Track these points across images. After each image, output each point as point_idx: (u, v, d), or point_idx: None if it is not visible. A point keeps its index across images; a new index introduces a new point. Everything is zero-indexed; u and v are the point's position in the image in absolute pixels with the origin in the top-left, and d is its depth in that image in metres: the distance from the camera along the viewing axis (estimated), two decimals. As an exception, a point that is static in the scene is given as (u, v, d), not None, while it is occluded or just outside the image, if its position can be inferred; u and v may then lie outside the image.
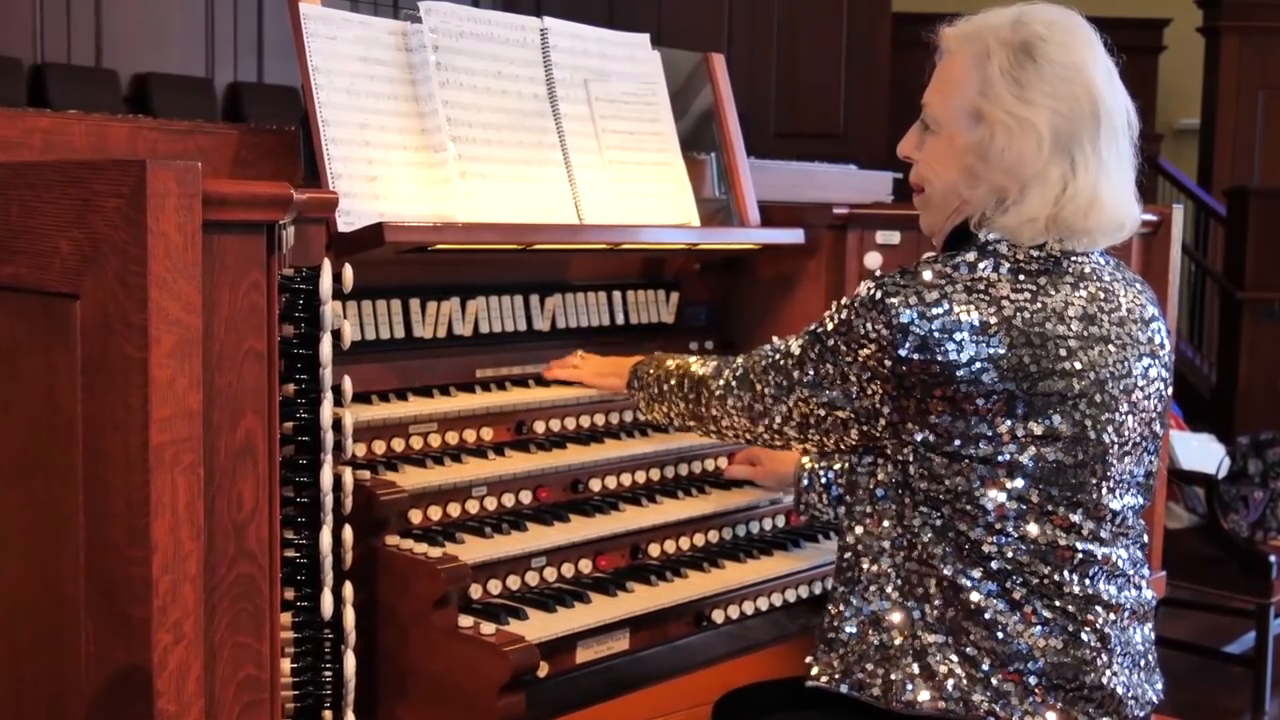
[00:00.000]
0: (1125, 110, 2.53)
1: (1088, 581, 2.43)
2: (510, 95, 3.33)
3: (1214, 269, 10.83)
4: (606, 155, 3.49)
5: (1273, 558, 5.36)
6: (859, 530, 2.56)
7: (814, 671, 2.56)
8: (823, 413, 2.54)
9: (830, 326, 2.50)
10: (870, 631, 2.50)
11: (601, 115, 3.51)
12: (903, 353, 2.36)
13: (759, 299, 3.87)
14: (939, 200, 2.60)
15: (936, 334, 2.35)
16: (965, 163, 2.51)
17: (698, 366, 2.90)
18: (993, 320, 2.36)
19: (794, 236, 3.71)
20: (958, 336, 2.34)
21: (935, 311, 2.36)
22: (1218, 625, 6.43)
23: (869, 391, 2.45)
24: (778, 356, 2.63)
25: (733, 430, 2.80)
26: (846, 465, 2.77)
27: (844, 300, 2.49)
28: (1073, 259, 2.49)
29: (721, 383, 2.77)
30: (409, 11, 3.25)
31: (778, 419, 2.64)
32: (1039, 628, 2.40)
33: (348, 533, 2.50)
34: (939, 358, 2.34)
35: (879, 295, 2.41)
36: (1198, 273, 11.16)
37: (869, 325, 2.40)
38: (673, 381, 2.95)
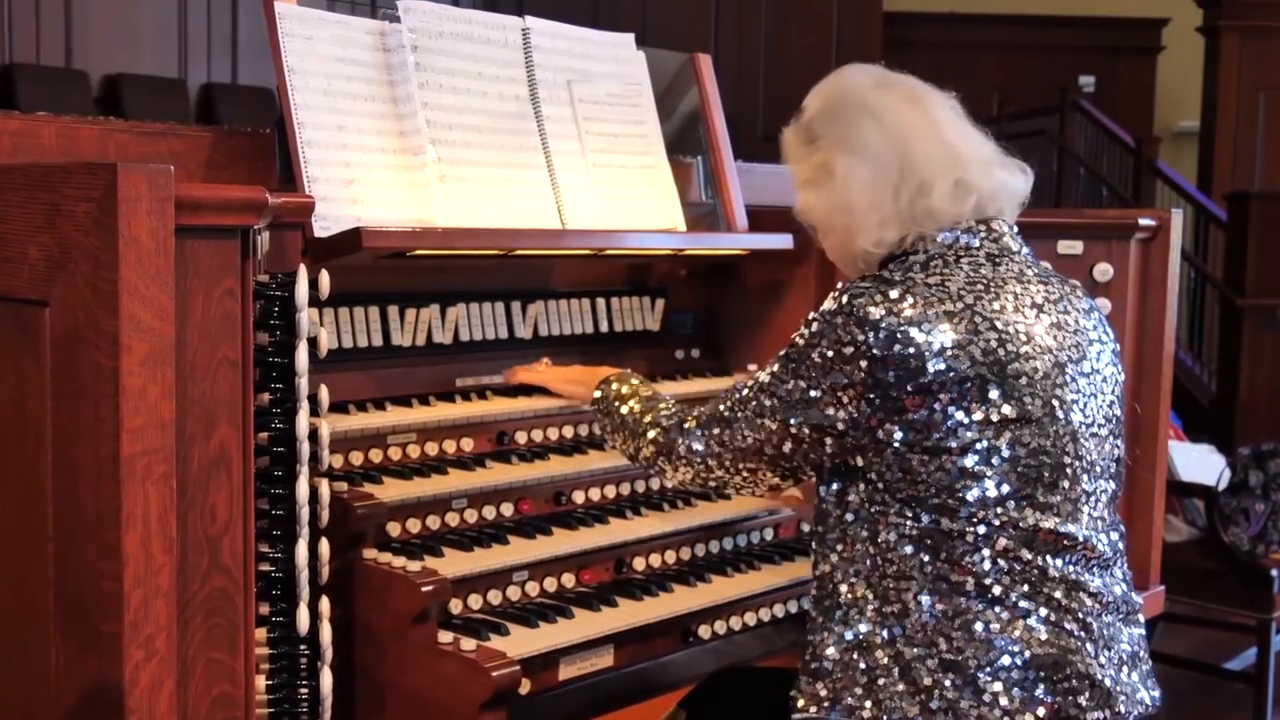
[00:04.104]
0: (926, 95, 2.69)
1: (1069, 567, 2.45)
2: (491, 96, 3.30)
3: (1214, 275, 10.84)
4: (590, 158, 3.46)
5: (1274, 572, 5.29)
6: (833, 558, 2.56)
7: (800, 704, 2.54)
8: (803, 433, 2.53)
9: (801, 343, 2.54)
10: (855, 656, 2.49)
11: (585, 117, 3.48)
12: (876, 351, 2.41)
13: (747, 306, 3.84)
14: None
15: (906, 328, 2.41)
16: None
17: (663, 411, 2.86)
18: (958, 308, 2.44)
19: (783, 242, 3.67)
20: (925, 327, 2.41)
21: (902, 306, 2.43)
22: (1218, 641, 6.37)
23: (845, 400, 2.46)
24: (746, 391, 2.63)
25: (701, 472, 2.74)
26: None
27: (811, 315, 2.55)
28: (1009, 258, 2.58)
29: (691, 424, 2.75)
30: (387, 11, 3.22)
31: (750, 452, 2.62)
32: (1021, 620, 2.41)
33: (324, 546, 2.46)
34: (911, 350, 2.40)
35: (845, 300, 2.47)
36: (1197, 279, 11.15)
37: (840, 331, 2.45)
38: (640, 412, 2.90)
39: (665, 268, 3.77)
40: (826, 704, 2.49)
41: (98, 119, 2.87)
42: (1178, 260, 3.80)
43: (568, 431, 3.30)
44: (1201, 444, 6.43)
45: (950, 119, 2.67)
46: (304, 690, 2.39)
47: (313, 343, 2.37)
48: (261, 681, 2.33)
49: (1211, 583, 5.47)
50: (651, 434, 2.82)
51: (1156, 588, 3.83)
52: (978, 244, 2.56)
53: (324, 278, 2.43)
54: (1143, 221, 3.66)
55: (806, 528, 3.40)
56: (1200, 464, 5.91)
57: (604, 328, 3.60)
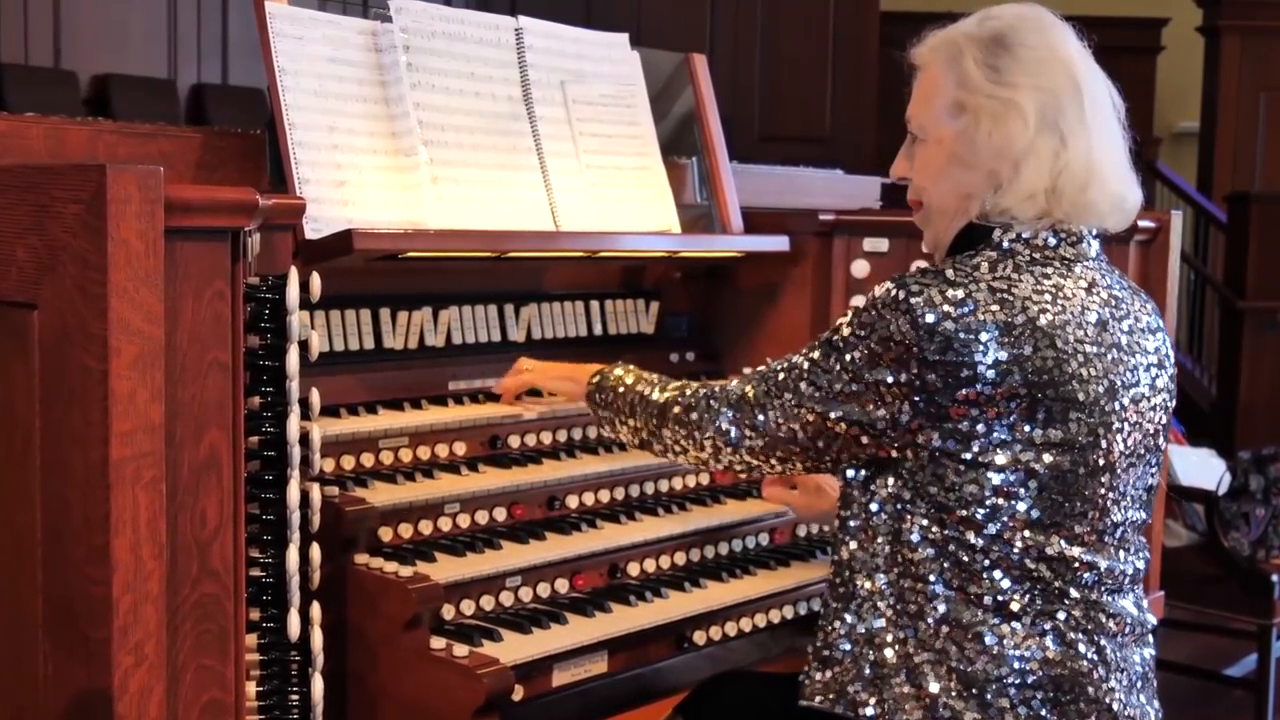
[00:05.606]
0: (1107, 90, 2.56)
1: (1088, 591, 2.41)
2: (484, 97, 3.29)
3: (1214, 277, 10.82)
4: (584, 159, 3.44)
5: (1275, 577, 5.27)
6: (853, 545, 2.51)
7: (808, 691, 2.52)
8: (840, 429, 2.46)
9: (848, 332, 2.44)
10: (865, 650, 2.46)
11: (579, 118, 3.46)
12: (928, 355, 2.33)
13: (742, 309, 3.83)
14: (938, 205, 2.58)
15: (962, 335, 2.32)
16: (956, 154, 2.51)
17: (677, 388, 2.78)
18: (1018, 321, 2.34)
19: (778, 244, 3.67)
20: (983, 337, 2.32)
21: (961, 311, 2.33)
22: (1218, 647, 6.35)
23: (888, 399, 2.39)
24: (782, 375, 2.54)
25: (729, 457, 2.67)
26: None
27: (861, 304, 2.45)
28: (1085, 264, 2.49)
29: (718, 403, 2.66)
30: (379, 10, 3.23)
31: (783, 440, 2.55)
32: (1035, 639, 2.38)
33: (315, 551, 2.45)
34: (964, 359, 2.31)
35: (901, 295, 2.37)
36: (1197, 281, 11.13)
37: (892, 327, 2.36)
38: (651, 393, 2.83)
39: (660, 270, 3.76)
40: (833, 695, 2.47)
41: (86, 120, 2.87)
42: (1177, 262, 3.78)
43: (561, 435, 3.27)
44: (1201, 448, 6.42)
45: (1117, 130, 2.55)
46: (295, 697, 2.36)
47: (304, 346, 2.35)
48: (252, 688, 2.30)
49: (1211, 588, 5.46)
50: (675, 410, 2.72)
51: (1156, 593, 3.81)
52: (1055, 243, 2.46)
53: (315, 280, 2.41)
54: (1142, 223, 3.64)
55: (804, 531, 3.38)
56: (1200, 468, 5.90)
57: (597, 330, 3.58)
